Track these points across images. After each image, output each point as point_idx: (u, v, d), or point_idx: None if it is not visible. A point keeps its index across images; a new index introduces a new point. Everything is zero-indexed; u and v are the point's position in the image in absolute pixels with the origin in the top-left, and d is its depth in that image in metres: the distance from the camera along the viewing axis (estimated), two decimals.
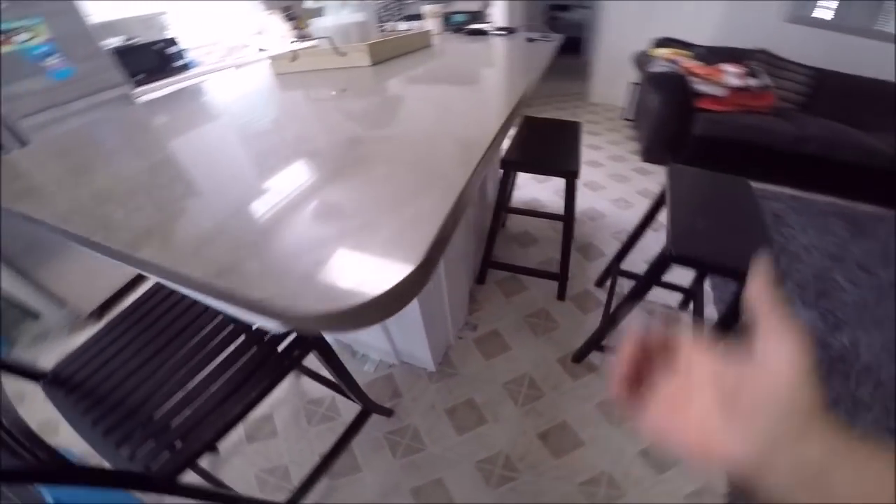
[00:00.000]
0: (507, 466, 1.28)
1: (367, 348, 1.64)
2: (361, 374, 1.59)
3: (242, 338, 0.93)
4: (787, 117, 2.69)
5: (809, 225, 2.22)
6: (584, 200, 2.51)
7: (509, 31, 1.81)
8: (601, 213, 2.40)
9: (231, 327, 0.95)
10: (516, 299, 1.83)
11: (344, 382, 1.11)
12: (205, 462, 1.37)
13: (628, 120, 3.55)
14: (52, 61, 2.07)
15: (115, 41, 2.61)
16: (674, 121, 2.75)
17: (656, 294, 1.72)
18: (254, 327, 0.94)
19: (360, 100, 1.00)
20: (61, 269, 1.95)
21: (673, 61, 2.84)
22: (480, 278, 1.91)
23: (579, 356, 1.52)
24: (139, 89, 2.46)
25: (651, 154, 2.92)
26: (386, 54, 1.23)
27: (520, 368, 1.54)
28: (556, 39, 1.71)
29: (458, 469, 1.28)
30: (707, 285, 1.83)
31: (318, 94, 1.07)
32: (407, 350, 1.52)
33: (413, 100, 0.98)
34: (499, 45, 1.57)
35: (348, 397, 1.27)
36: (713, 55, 2.99)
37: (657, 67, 2.80)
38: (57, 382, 0.92)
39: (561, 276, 1.75)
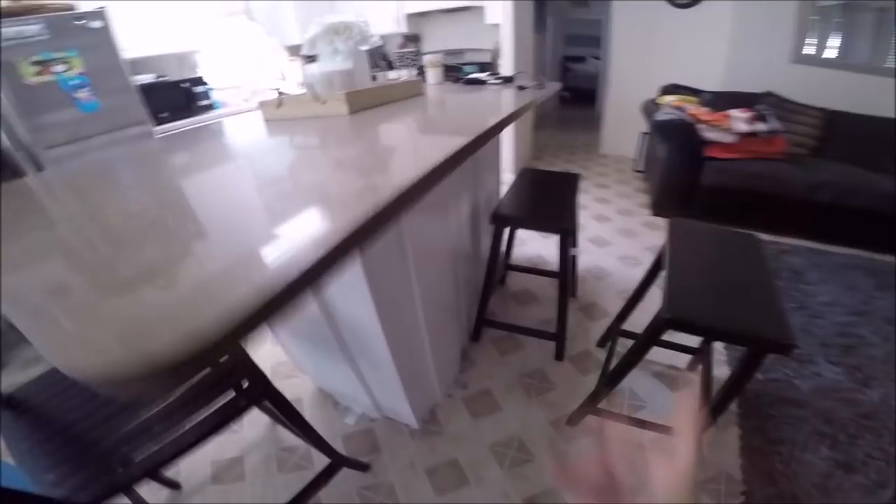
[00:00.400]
0: None
1: (349, 400, 1.58)
2: (342, 426, 1.51)
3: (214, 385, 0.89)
4: (799, 163, 2.61)
5: (831, 280, 2.10)
6: (589, 257, 2.44)
7: (506, 80, 1.82)
8: (607, 271, 2.33)
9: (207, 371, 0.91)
10: (511, 358, 1.75)
11: (304, 434, 1.05)
12: (163, 495, 1.31)
13: (638, 171, 3.52)
14: (83, 93, 2.18)
15: (146, 78, 2.75)
16: (682, 170, 2.71)
17: (663, 355, 1.63)
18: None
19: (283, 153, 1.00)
20: None
21: (679, 108, 2.83)
22: (475, 335, 1.84)
23: (574, 420, 1.42)
24: (161, 127, 2.55)
25: (660, 207, 2.87)
26: (364, 104, 1.24)
27: (509, 430, 1.44)
28: (551, 87, 1.70)
29: None
30: (720, 345, 1.72)
31: (278, 141, 1.08)
32: (388, 405, 1.45)
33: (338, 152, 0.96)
34: (488, 93, 1.58)
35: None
36: (721, 100, 2.97)
37: (663, 115, 2.80)
38: (11, 405, 0.90)
39: (558, 336, 1.67)
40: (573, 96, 6.22)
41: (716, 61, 3.31)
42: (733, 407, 1.43)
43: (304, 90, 1.34)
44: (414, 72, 1.90)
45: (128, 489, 0.78)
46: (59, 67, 2.03)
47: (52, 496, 0.70)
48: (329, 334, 1.19)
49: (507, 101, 1.48)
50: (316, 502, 1.26)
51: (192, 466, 1.39)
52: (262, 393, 0.91)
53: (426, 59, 1.92)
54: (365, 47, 1.43)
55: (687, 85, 3.27)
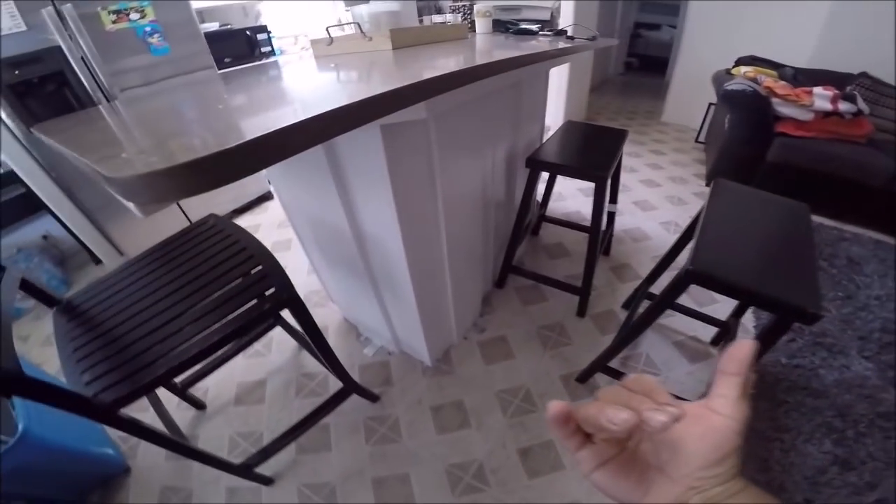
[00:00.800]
0: (477, 476, 1.22)
1: (371, 332, 1.66)
2: (360, 357, 1.60)
3: (246, 289, 0.96)
4: (885, 150, 2.33)
5: (890, 275, 1.89)
6: (630, 219, 2.36)
7: (558, 32, 1.73)
8: (646, 234, 2.24)
9: (239, 280, 0.99)
10: (533, 309, 1.75)
11: (321, 352, 1.12)
12: (188, 415, 1.46)
13: (700, 142, 3.29)
14: (154, 39, 2.34)
15: (212, 26, 2.90)
16: (747, 143, 2.50)
17: (687, 325, 1.58)
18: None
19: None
20: (128, 224, 2.20)
21: (753, 79, 2.59)
22: (499, 282, 1.85)
23: (584, 376, 1.42)
24: (224, 72, 2.69)
25: (717, 178, 2.67)
26: (407, 41, 1.25)
27: (518, 379, 1.47)
28: (604, 41, 1.60)
29: (427, 468, 1.24)
30: (749, 321, 1.63)
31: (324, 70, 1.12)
32: (406, 340, 1.51)
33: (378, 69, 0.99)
34: (534, 42, 1.52)
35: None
36: (804, 77, 2.69)
37: (734, 85, 2.57)
38: (65, 310, 1.01)
39: (582, 291, 1.64)
40: (641, 64, 5.84)
41: (807, 36, 2.96)
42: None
43: (341, 30, 1.37)
44: (459, 18, 1.85)
45: (155, 387, 0.84)
46: (134, 16, 2.19)
47: (81, 393, 0.78)
48: (359, 260, 1.24)
49: (552, 47, 1.43)
50: (325, 425, 1.36)
51: (219, 388, 1.54)
52: (286, 301, 0.96)
53: (476, 7, 1.89)
54: None
55: (768, 58, 2.97)
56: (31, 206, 2.13)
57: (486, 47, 1.39)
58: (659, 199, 2.57)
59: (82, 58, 2.05)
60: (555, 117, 3.42)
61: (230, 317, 0.92)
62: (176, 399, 1.42)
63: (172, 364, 0.85)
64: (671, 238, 2.14)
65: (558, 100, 3.36)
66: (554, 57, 1.23)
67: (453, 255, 1.29)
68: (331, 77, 0.97)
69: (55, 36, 1.98)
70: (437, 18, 1.78)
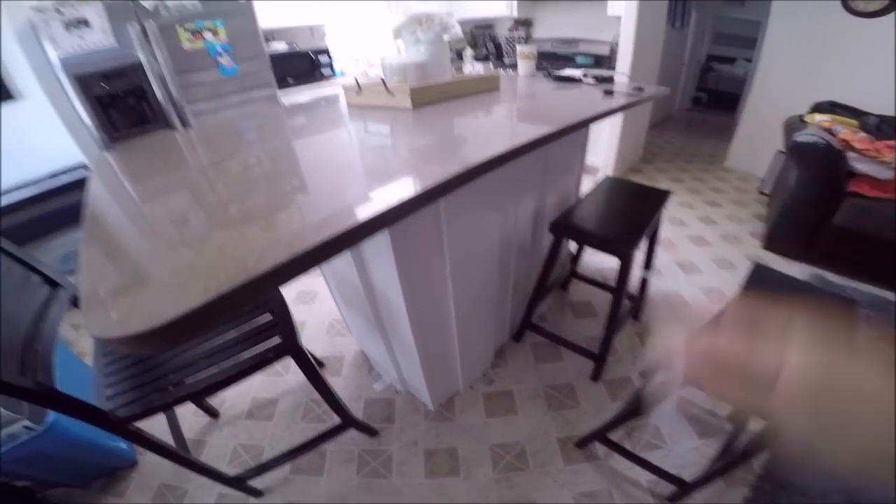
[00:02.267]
0: None
1: (381, 369, 1.69)
2: (368, 390, 1.64)
3: (256, 334, 1.04)
4: None
5: None
6: (670, 281, 2.24)
7: (604, 80, 1.67)
8: (684, 300, 2.11)
9: (253, 326, 1.07)
10: (546, 367, 1.71)
11: (319, 391, 1.16)
12: (202, 422, 1.55)
13: (763, 194, 3.06)
14: (224, 59, 2.54)
15: (280, 46, 3.10)
16: (814, 203, 2.29)
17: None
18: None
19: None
20: None
21: (829, 130, 2.37)
22: (517, 336, 1.82)
23: (583, 442, 1.37)
24: (283, 90, 2.88)
25: (775, 241, 2.48)
26: (428, 98, 1.27)
27: (516, 435, 1.44)
28: (652, 92, 1.51)
29: None
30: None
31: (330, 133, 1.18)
32: (411, 382, 1.53)
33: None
34: (572, 94, 1.48)
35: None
36: (891, 127, 2.42)
37: (805, 136, 2.36)
38: None
39: (598, 356, 1.59)
40: (711, 99, 5.53)
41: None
42: (757, 466, 1.26)
43: (370, 79, 1.41)
44: (474, 65, 1.84)
45: (165, 409, 0.93)
46: (209, 35, 2.39)
47: (101, 407, 0.87)
48: (367, 307, 1.29)
49: (584, 106, 1.40)
50: (322, 451, 1.41)
51: (235, 400, 1.64)
52: (288, 350, 1.02)
53: (519, 49, 1.88)
54: (447, 38, 1.46)
55: (848, 104, 2.72)
56: None
57: (516, 107, 1.39)
58: (705, 262, 2.41)
59: (160, 74, 2.26)
60: (606, 157, 3.30)
61: (239, 358, 0.99)
62: (193, 406, 1.53)
63: (181, 394, 0.94)
64: (712, 308, 2.02)
65: (611, 139, 3.24)
66: (588, 123, 1.20)
67: (462, 308, 1.31)
68: (338, 161, 1.01)
69: (138, 51, 2.19)
70: (467, 68, 1.79)
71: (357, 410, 1.56)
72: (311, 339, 1.92)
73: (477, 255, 1.29)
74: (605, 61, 3.19)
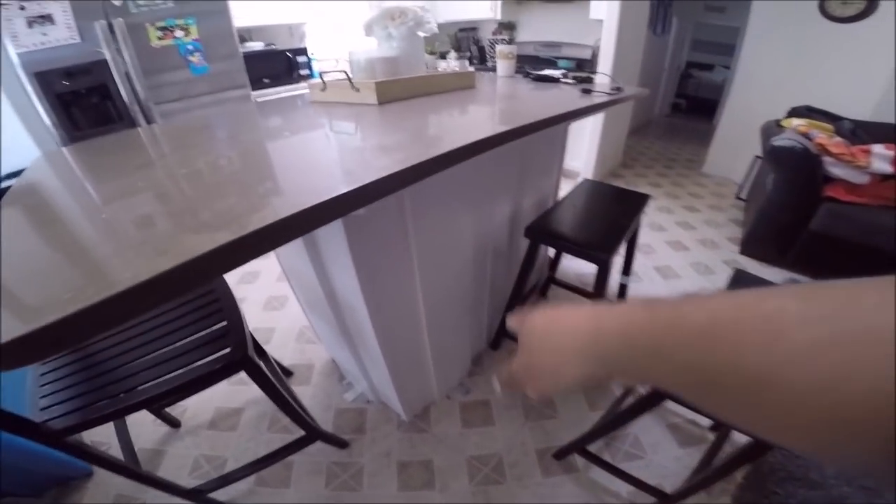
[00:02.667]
0: None
1: (353, 378, 1.63)
2: (339, 400, 1.57)
3: (205, 344, 0.97)
4: None
5: None
6: (649, 286, 2.22)
7: (583, 80, 1.64)
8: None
9: (202, 334, 0.99)
10: None
11: (278, 404, 1.09)
12: (161, 431, 1.48)
13: (741, 199, 3.08)
14: (195, 58, 2.45)
15: (256, 45, 3.01)
16: (790, 207, 2.31)
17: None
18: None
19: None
20: None
21: (805, 135, 2.39)
22: (494, 343, 1.77)
23: (561, 453, 1.32)
24: (258, 92, 2.79)
25: (751, 246, 2.49)
26: (396, 94, 1.22)
27: (493, 447, 1.39)
28: (631, 92, 1.48)
29: None
30: None
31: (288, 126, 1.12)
32: (383, 392, 1.47)
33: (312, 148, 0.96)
34: (549, 93, 1.44)
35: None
36: (866, 132, 2.45)
37: (781, 140, 2.38)
38: None
39: None
40: (690, 105, 5.61)
41: (872, 85, 2.73)
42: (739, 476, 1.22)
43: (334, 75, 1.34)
44: (467, 65, 1.79)
45: (105, 421, 0.84)
46: (179, 33, 2.30)
47: (32, 418, 0.80)
48: (331, 314, 1.23)
49: (561, 103, 1.36)
50: (289, 462, 1.34)
51: (197, 409, 1.55)
52: (240, 363, 0.95)
53: (498, 49, 1.84)
54: (421, 34, 1.41)
55: (824, 109, 2.76)
56: None
57: (489, 103, 1.35)
58: (683, 267, 2.40)
59: (126, 72, 2.17)
60: (587, 161, 3.30)
61: (189, 367, 0.92)
62: (151, 416, 1.44)
63: (119, 406, 0.86)
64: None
65: (591, 143, 3.24)
66: (565, 120, 1.16)
67: (434, 314, 1.26)
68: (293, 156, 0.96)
69: (103, 49, 2.09)
70: (441, 65, 1.75)
71: (327, 421, 1.49)
72: (280, 346, 1.85)
73: (449, 258, 1.24)
74: (586, 65, 3.19)
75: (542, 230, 1.36)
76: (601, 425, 1.23)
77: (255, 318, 2.03)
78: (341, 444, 1.38)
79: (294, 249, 1.13)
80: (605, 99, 1.34)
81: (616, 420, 1.13)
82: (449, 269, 1.26)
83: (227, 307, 1.05)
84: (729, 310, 0.22)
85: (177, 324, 1.02)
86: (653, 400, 0.96)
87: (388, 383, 1.31)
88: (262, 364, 0.99)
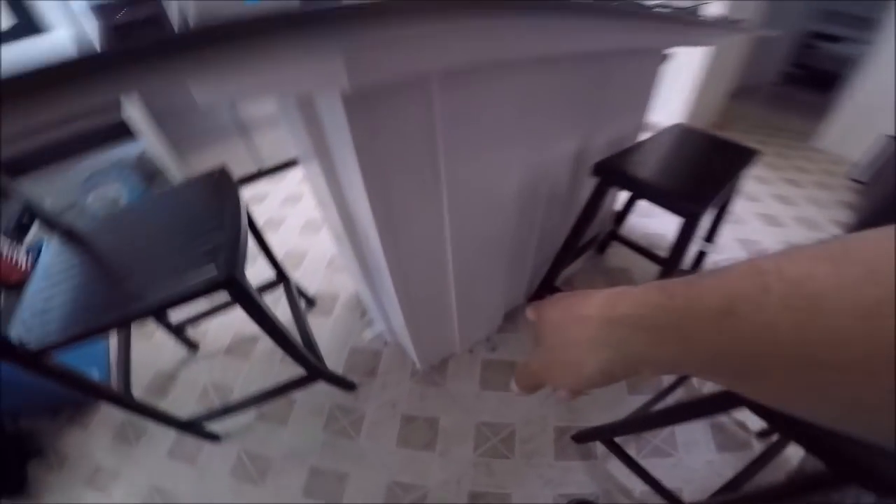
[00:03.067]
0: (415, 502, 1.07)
1: (375, 315, 1.52)
2: (357, 337, 1.49)
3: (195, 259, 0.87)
4: None
5: None
6: (729, 259, 1.89)
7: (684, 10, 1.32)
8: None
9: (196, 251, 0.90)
10: None
11: (273, 337, 0.99)
12: (180, 354, 1.47)
13: (856, 181, 2.57)
14: None
15: None
16: None
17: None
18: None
19: None
20: (204, 156, 2.27)
21: None
22: (534, 298, 1.59)
23: (582, 437, 1.16)
24: None
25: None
26: None
27: (509, 416, 1.25)
28: (749, 29, 1.15)
29: (368, 476, 1.13)
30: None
31: None
32: (401, 335, 1.35)
33: None
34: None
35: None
36: None
37: None
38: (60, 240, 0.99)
39: None
40: (805, 76, 4.78)
41: None
42: None
43: None
44: None
45: (85, 337, 0.78)
46: None
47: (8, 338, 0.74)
48: (346, 238, 1.10)
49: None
50: (292, 399, 1.29)
51: (217, 333, 1.54)
52: (222, 283, 0.85)
53: None
54: None
55: None
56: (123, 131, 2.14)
57: None
58: (774, 243, 2.03)
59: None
60: (673, 114, 2.86)
61: (184, 283, 0.84)
62: (173, 337, 1.44)
63: (93, 325, 0.78)
64: None
65: (682, 95, 2.80)
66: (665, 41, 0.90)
67: (463, 254, 1.07)
68: None
69: None
70: None
71: (340, 358, 1.42)
72: (310, 273, 1.78)
73: (488, 188, 1.01)
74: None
75: (616, 169, 1.10)
76: (639, 418, 1.04)
77: (290, 241, 1.98)
78: (348, 385, 1.30)
79: (310, 153, 0.97)
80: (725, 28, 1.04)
81: (658, 418, 0.93)
82: (487, 201, 1.04)
83: (230, 225, 0.94)
84: (750, 279, 0.19)
85: (177, 240, 0.93)
86: (718, 402, 0.74)
87: (402, 326, 1.19)
88: (250, 289, 0.88)
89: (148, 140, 2.14)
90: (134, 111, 2.04)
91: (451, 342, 1.37)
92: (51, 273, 0.90)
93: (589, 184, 1.20)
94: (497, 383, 1.33)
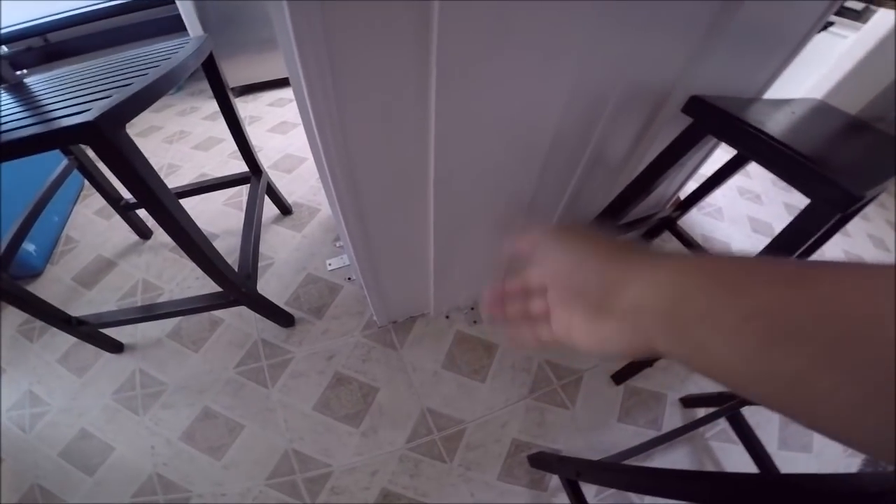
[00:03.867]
0: (312, 483, 0.87)
1: (345, 243, 1.26)
2: (319, 265, 1.24)
3: None
4: None
5: None
6: None
7: None
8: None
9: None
10: None
11: (171, 234, 0.74)
12: (130, 240, 1.30)
13: None
14: None
15: None
16: None
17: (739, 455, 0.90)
18: None
19: None
20: (237, 64, 2.09)
21: None
22: None
23: (540, 462, 0.88)
24: None
25: None
26: None
27: (465, 412, 0.98)
28: None
29: (266, 436, 0.94)
30: None
31: None
32: (363, 277, 1.09)
33: None
34: None
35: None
36: None
37: None
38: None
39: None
40: None
41: None
42: None
43: None
44: None
45: None
46: None
47: None
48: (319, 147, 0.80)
49: None
50: (219, 320, 1.10)
51: None
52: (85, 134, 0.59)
53: None
54: None
55: None
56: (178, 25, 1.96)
57: None
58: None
59: None
60: (816, 90, 2.13)
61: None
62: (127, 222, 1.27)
63: None
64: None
65: (823, 72, 2.06)
66: None
67: (455, 190, 0.74)
68: None
69: None
70: None
71: (291, 284, 1.18)
72: (299, 179, 1.55)
73: (505, 108, 0.63)
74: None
75: (722, 110, 0.71)
76: (618, 471, 0.74)
77: (294, 145, 1.77)
78: (283, 319, 1.07)
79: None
80: None
81: (644, 480, 0.63)
82: (499, 120, 0.66)
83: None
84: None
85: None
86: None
87: (357, 273, 0.92)
88: (125, 149, 0.61)
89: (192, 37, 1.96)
90: (187, 9, 1.86)
91: (424, 300, 1.09)
92: None
93: (662, 143, 0.82)
94: (464, 366, 1.06)
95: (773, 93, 0.98)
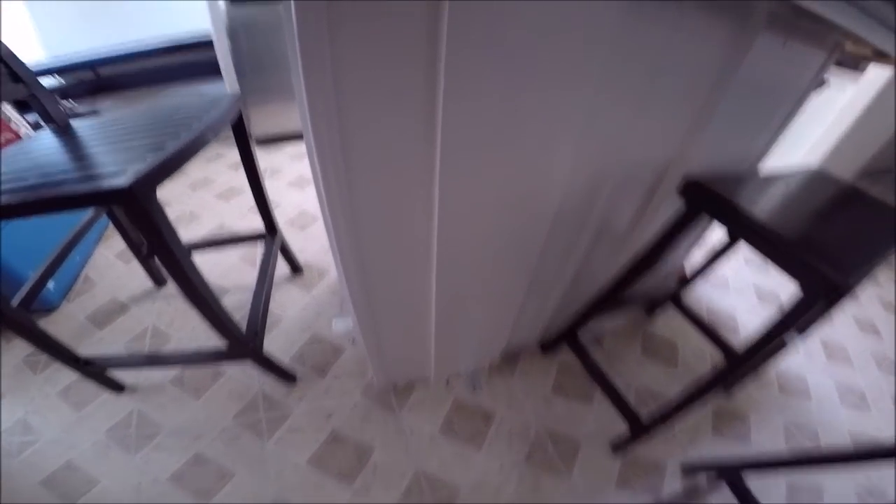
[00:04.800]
0: None
1: (349, 307, 1.29)
2: (324, 326, 1.28)
3: None
4: None
5: None
6: (800, 360, 1.42)
7: None
8: (809, 391, 1.31)
9: None
10: (559, 403, 1.16)
11: (183, 290, 0.79)
12: (145, 287, 1.36)
13: None
14: None
15: None
16: None
17: None
18: None
19: None
20: (265, 114, 2.20)
21: None
22: (547, 346, 1.27)
23: None
24: None
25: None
26: None
27: (456, 476, 0.97)
28: None
29: (256, 484, 0.94)
30: None
31: None
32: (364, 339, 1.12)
33: None
34: None
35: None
36: None
37: None
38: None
39: (641, 422, 0.99)
40: None
41: None
42: None
43: None
44: None
45: None
46: None
47: None
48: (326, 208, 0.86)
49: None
50: (221, 372, 1.13)
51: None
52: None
53: None
54: None
55: None
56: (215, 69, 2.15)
57: None
58: (862, 352, 1.49)
59: None
60: (809, 156, 2.16)
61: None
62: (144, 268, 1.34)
63: None
64: (845, 416, 1.25)
65: (823, 129, 2.07)
66: None
67: (456, 256, 0.78)
68: None
69: None
70: None
71: (296, 343, 1.22)
72: (312, 238, 1.62)
73: (506, 182, 0.68)
74: None
75: (716, 193, 0.75)
76: None
77: (310, 201, 1.84)
78: (286, 376, 1.09)
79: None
80: None
81: None
82: (502, 201, 0.72)
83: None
84: None
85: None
86: None
87: (359, 332, 0.95)
88: (151, 211, 0.67)
89: (227, 84, 2.14)
90: (224, 57, 2.02)
91: (424, 365, 1.11)
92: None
93: (665, 213, 0.87)
94: (462, 432, 1.06)
95: (777, 154, 1.03)
